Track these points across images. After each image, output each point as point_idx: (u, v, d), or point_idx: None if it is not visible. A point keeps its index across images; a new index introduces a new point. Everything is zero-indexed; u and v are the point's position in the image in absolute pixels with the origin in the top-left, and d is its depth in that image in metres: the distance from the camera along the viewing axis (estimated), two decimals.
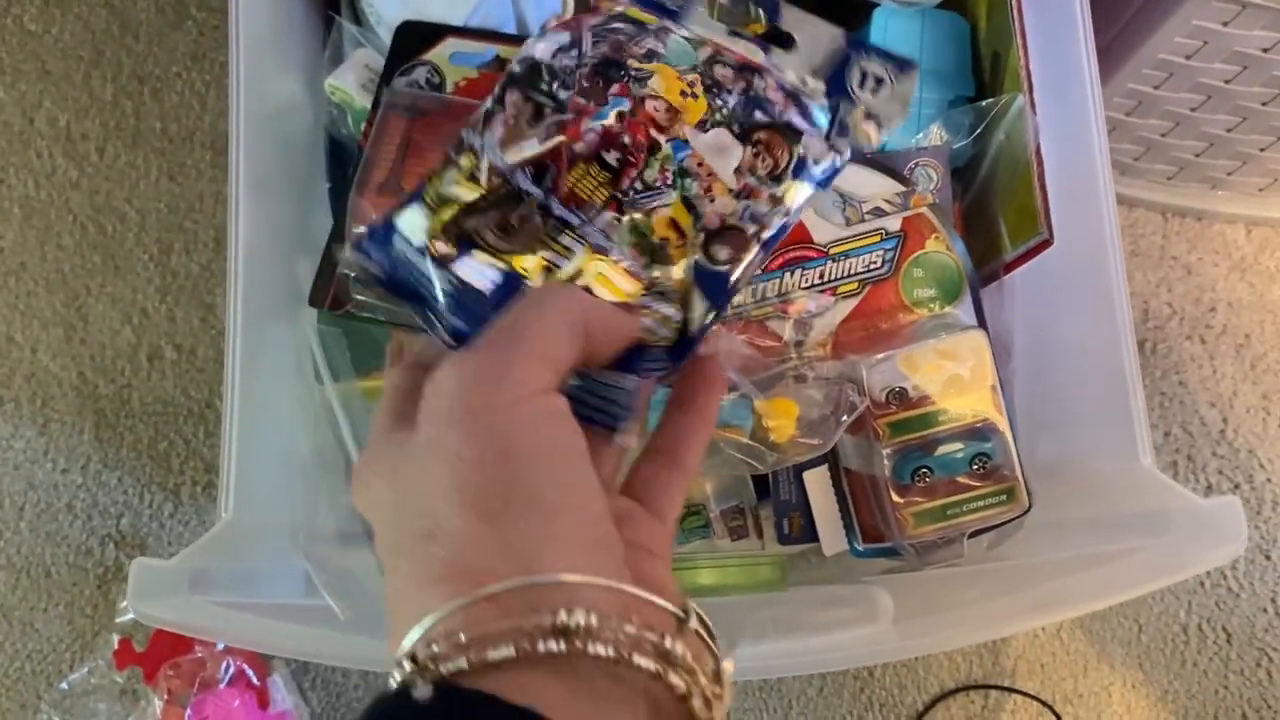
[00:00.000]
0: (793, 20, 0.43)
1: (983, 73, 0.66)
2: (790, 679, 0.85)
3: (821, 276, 0.62)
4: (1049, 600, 0.54)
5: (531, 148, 0.41)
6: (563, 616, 0.28)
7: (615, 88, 0.42)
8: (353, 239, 0.41)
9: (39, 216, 0.91)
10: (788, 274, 0.62)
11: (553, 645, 0.28)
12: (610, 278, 0.40)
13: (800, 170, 0.41)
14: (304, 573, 0.57)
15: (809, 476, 0.65)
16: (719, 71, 0.43)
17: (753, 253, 0.41)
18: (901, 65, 0.42)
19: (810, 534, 0.66)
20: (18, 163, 0.92)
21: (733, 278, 0.40)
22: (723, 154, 0.42)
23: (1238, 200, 0.88)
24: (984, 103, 0.62)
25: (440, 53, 0.65)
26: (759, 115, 0.42)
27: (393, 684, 0.29)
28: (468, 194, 0.40)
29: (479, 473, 0.30)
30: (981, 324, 0.62)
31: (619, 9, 0.44)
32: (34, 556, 0.87)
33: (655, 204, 0.41)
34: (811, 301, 0.63)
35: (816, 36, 0.43)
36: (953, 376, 0.61)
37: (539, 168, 0.41)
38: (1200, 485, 0.86)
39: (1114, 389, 0.55)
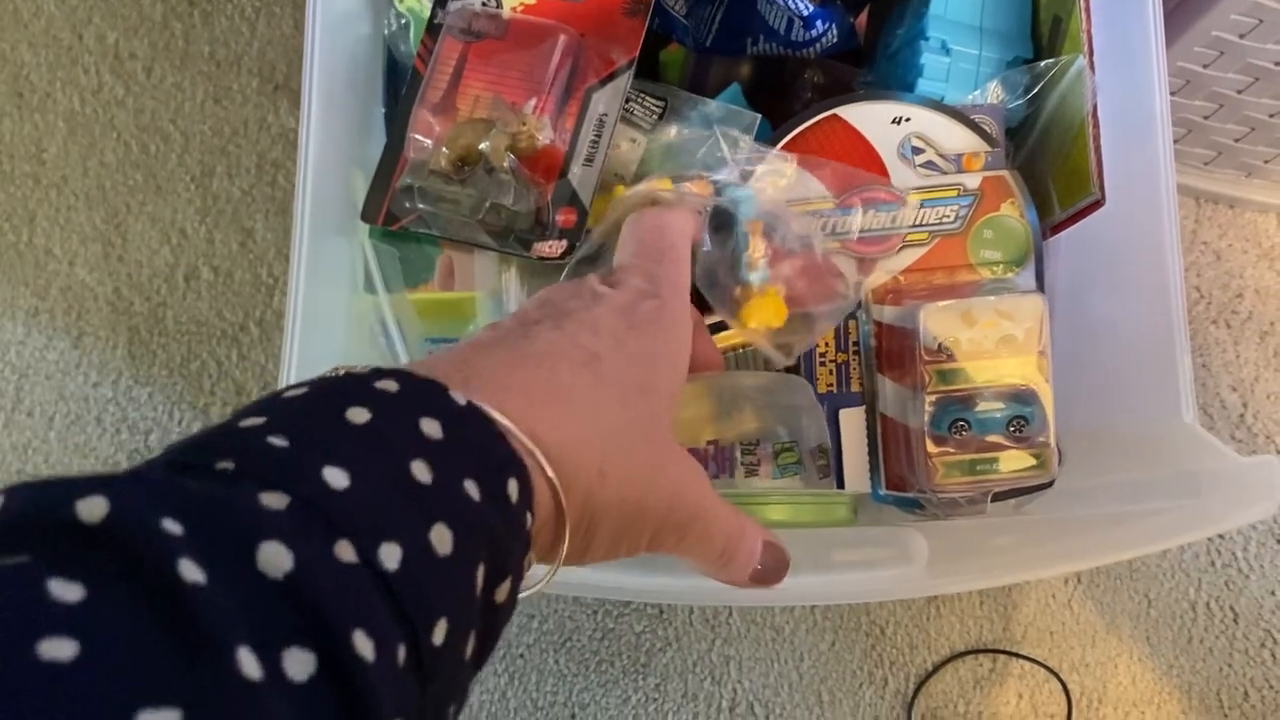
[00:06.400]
0: None
1: (1041, 37, 0.66)
2: (803, 633, 0.86)
3: (893, 221, 0.62)
4: (1077, 549, 0.55)
5: None
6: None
7: None
8: None
9: (83, 132, 0.92)
10: (860, 212, 0.62)
11: None
12: None
13: None
14: None
15: (844, 415, 0.66)
16: None
17: None
18: None
19: (835, 473, 0.67)
20: (65, 78, 0.92)
21: None
22: None
23: (1271, 189, 0.89)
24: (1042, 64, 0.62)
25: None
26: None
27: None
28: None
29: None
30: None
31: None
32: (61, 468, 0.88)
33: None
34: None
35: None
36: (1006, 336, 0.61)
37: None
38: None
39: (1160, 347, 0.56)
